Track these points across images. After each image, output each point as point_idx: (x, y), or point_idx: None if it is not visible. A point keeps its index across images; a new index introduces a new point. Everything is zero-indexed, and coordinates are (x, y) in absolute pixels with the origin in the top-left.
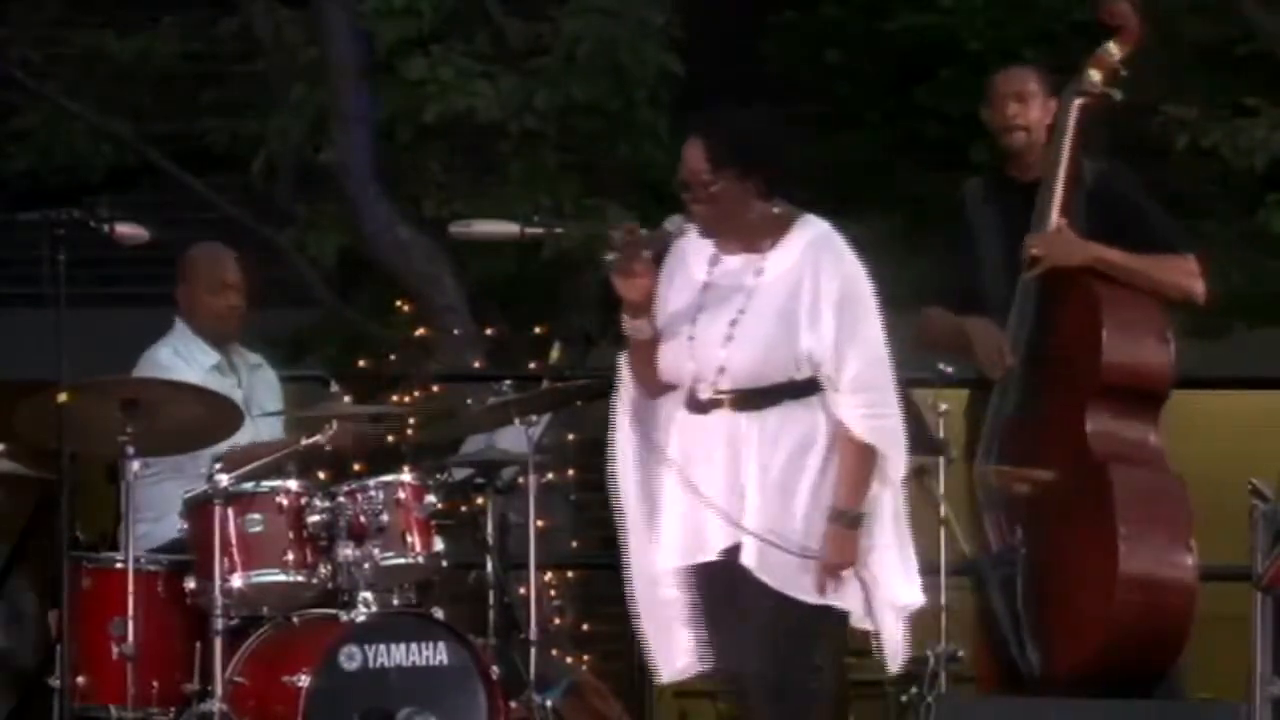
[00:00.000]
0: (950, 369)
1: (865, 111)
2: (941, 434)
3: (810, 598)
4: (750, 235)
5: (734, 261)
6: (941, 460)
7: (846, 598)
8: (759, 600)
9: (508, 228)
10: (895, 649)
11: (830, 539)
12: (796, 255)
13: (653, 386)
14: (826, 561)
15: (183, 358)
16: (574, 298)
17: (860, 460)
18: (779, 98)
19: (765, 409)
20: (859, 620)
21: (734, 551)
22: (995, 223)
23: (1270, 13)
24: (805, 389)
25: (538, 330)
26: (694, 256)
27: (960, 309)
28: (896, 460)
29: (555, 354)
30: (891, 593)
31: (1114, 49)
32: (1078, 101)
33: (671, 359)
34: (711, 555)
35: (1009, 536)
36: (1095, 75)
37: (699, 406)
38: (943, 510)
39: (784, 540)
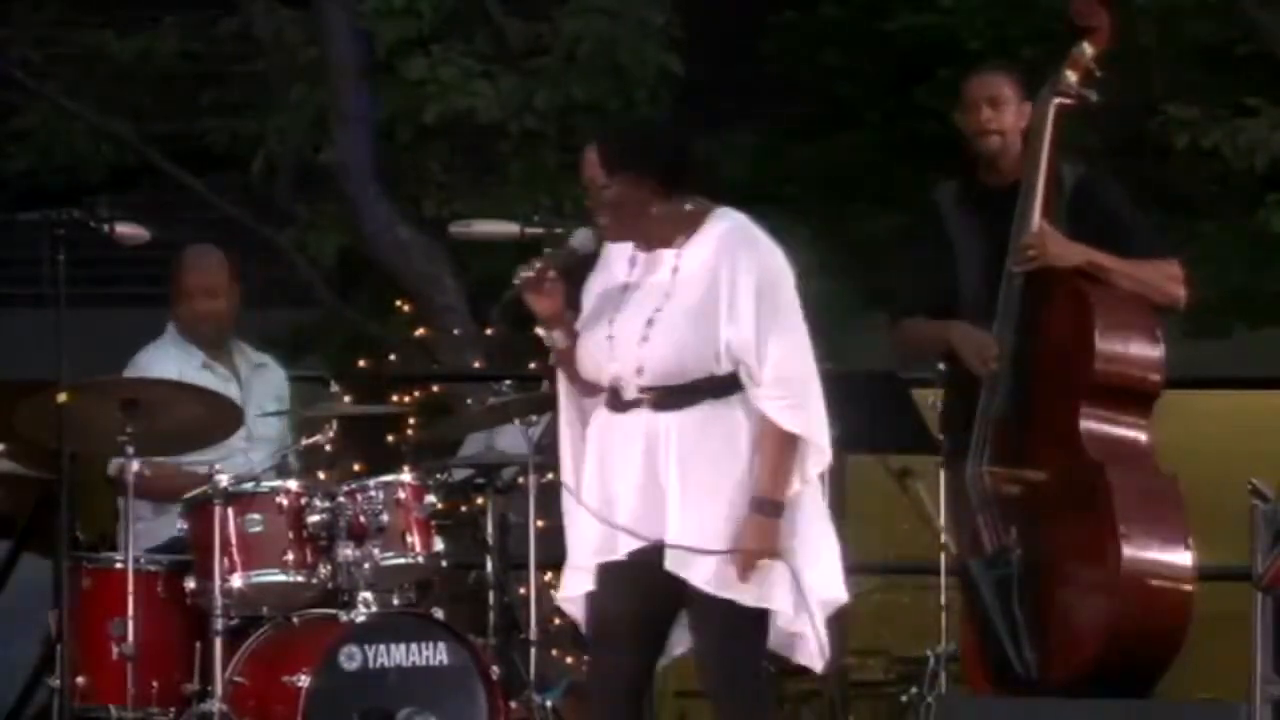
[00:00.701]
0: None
1: (865, 111)
2: (941, 434)
3: (744, 599)
4: (663, 234)
5: (651, 260)
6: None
7: (778, 598)
8: (696, 604)
9: (508, 228)
10: (821, 648)
11: (751, 527)
12: (711, 249)
13: (586, 388)
14: (746, 549)
15: (165, 361)
16: (574, 298)
17: (782, 450)
18: (779, 98)
19: (686, 408)
20: (788, 622)
21: (652, 553)
22: (971, 227)
23: (1270, 13)
24: (727, 386)
25: (538, 330)
26: (616, 259)
27: (937, 316)
28: (819, 452)
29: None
30: (816, 589)
31: (1087, 49)
32: (1055, 103)
33: (592, 360)
34: (620, 555)
35: (1004, 537)
36: (1071, 76)
37: (619, 406)
38: (934, 511)
39: (705, 542)
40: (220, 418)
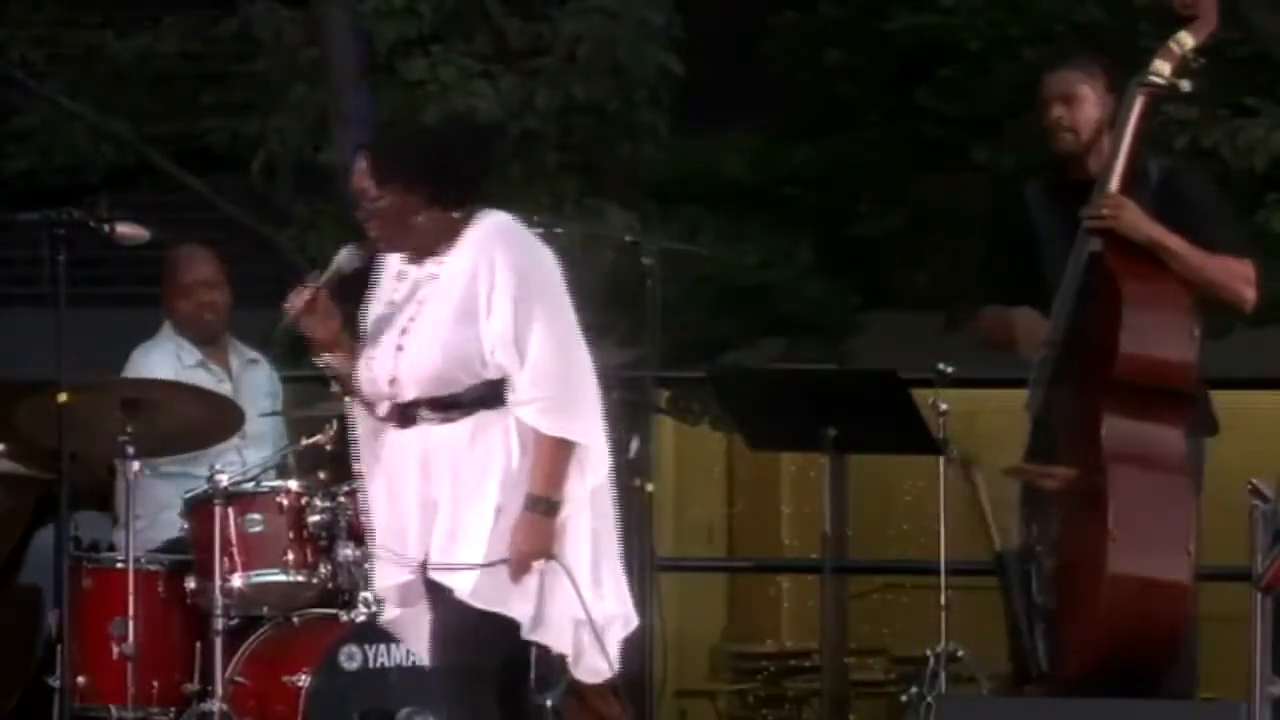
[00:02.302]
0: (950, 369)
1: (865, 111)
2: (941, 434)
3: (511, 612)
4: (430, 243)
5: (416, 272)
6: (942, 460)
7: (514, 605)
8: (449, 609)
9: None
10: (609, 662)
11: (523, 526)
12: (470, 250)
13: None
14: (518, 550)
15: (161, 358)
16: (574, 297)
17: (553, 450)
18: (779, 98)
19: (457, 418)
20: (527, 632)
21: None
22: (1058, 225)
23: (1270, 13)
24: (497, 398)
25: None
26: (388, 274)
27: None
28: (593, 461)
29: None
30: (577, 604)
31: (1185, 39)
32: (1142, 92)
33: (364, 378)
34: (409, 575)
35: (1029, 533)
36: (1162, 67)
37: (393, 421)
38: (987, 505)
39: (471, 552)
40: (220, 418)
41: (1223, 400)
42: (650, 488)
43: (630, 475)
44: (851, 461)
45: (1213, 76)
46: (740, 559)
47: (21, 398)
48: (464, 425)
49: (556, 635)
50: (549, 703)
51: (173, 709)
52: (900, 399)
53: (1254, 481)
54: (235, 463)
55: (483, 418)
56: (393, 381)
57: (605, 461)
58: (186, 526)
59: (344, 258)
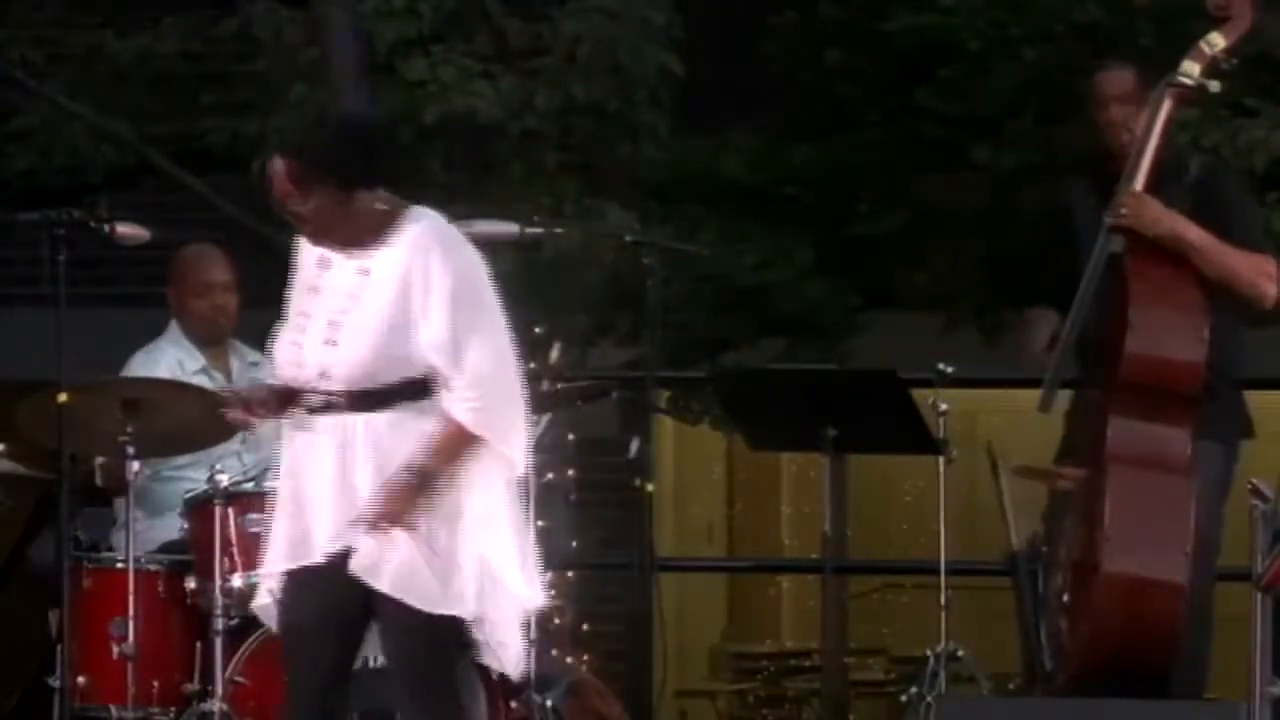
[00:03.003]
0: (950, 369)
1: (865, 111)
2: (942, 434)
3: (426, 604)
4: (356, 235)
5: (341, 262)
6: (942, 460)
7: (463, 603)
8: (384, 609)
9: (508, 228)
10: (516, 653)
11: (394, 487)
12: (405, 251)
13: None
14: (381, 508)
15: (160, 361)
16: (574, 298)
17: (455, 438)
18: (779, 98)
19: (379, 411)
20: (488, 629)
21: (345, 556)
22: (1100, 220)
23: (1270, 13)
24: (422, 391)
25: (538, 330)
26: (307, 260)
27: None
28: (515, 457)
29: (555, 354)
30: (512, 594)
31: (1217, 39)
32: (1171, 92)
33: (286, 367)
34: (316, 559)
35: (1038, 533)
36: (1193, 67)
37: (312, 409)
38: (1009, 505)
39: (392, 545)
40: (220, 418)
41: None
42: (650, 488)
43: (630, 475)
44: (851, 461)
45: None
46: (740, 559)
47: (21, 398)
48: (387, 417)
49: (499, 631)
50: (549, 703)
51: (173, 709)
52: (900, 399)
53: (1254, 481)
54: (235, 466)
55: (406, 412)
56: (322, 375)
57: (518, 466)
58: (186, 526)
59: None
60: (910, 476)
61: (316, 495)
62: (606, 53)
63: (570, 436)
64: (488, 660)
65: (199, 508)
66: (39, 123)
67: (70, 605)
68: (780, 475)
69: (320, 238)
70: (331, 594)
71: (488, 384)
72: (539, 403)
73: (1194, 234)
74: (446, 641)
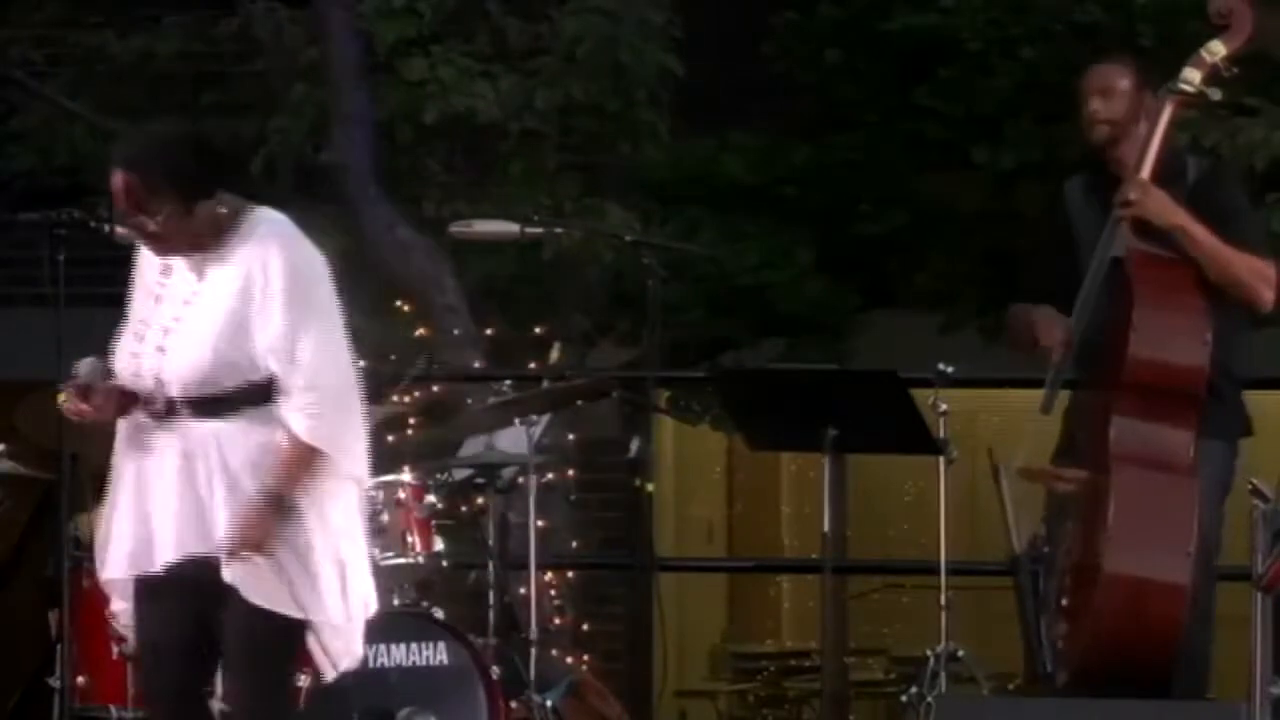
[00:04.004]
0: (950, 369)
1: (865, 111)
2: (942, 434)
3: (290, 611)
4: (199, 240)
5: (182, 268)
6: (942, 460)
7: (328, 609)
8: (234, 614)
9: (508, 228)
10: (347, 651)
11: (249, 515)
12: (244, 253)
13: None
14: (237, 537)
15: None
16: (574, 298)
17: (304, 455)
18: (779, 98)
19: (225, 416)
20: (332, 634)
21: (190, 566)
22: (1100, 220)
23: (1270, 13)
24: (265, 394)
25: (538, 330)
26: (148, 269)
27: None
28: (354, 464)
29: (555, 354)
30: (363, 600)
31: (1217, 48)
32: (1171, 97)
33: (126, 369)
34: (156, 569)
35: (1041, 534)
36: (1194, 75)
37: (154, 418)
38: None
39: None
40: None
41: None
42: (650, 488)
43: (630, 475)
44: (851, 461)
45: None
46: (740, 559)
47: (21, 398)
48: (235, 424)
49: (341, 636)
50: (549, 703)
51: None
52: (900, 399)
53: (1254, 481)
54: None
55: (253, 417)
56: (162, 382)
57: (360, 475)
58: None
59: (86, 370)
60: (910, 476)
61: (160, 504)
62: (606, 53)
63: (570, 436)
64: (320, 663)
65: None
66: (39, 123)
67: (70, 605)
68: (780, 475)
69: (165, 249)
70: (180, 607)
71: (323, 390)
72: (539, 403)
73: (1199, 231)
74: (293, 643)
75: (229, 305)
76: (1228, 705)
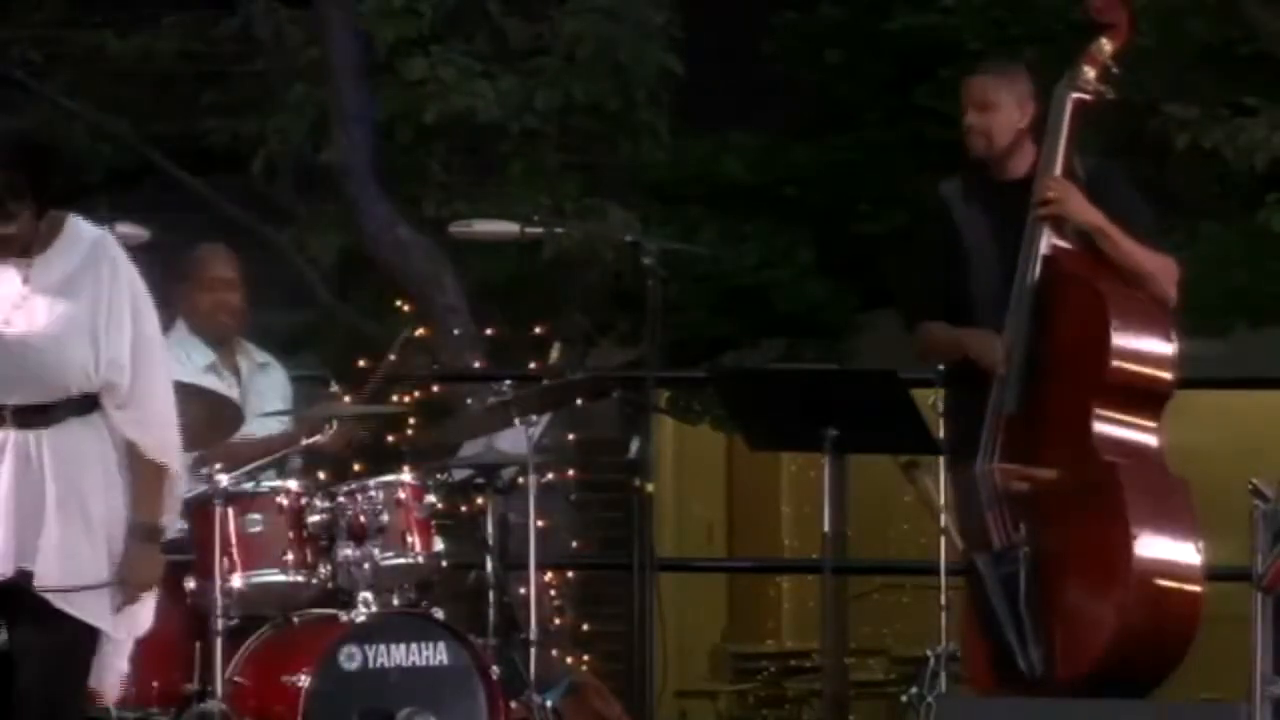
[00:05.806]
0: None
1: (865, 111)
2: (942, 434)
3: (100, 621)
4: (24, 243)
5: (4, 271)
6: (942, 460)
7: (142, 623)
8: (43, 629)
9: (508, 228)
10: (120, 674)
11: (137, 555)
12: (75, 261)
13: None
14: (136, 579)
15: (174, 357)
16: (574, 298)
17: (158, 477)
18: (779, 98)
19: (52, 426)
20: (117, 649)
21: (19, 578)
22: (983, 226)
23: (1270, 13)
24: (88, 406)
25: (538, 330)
26: None
27: (951, 313)
28: (181, 477)
29: (555, 354)
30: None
31: (1105, 46)
32: (1072, 96)
33: None
34: None
35: (1012, 534)
36: (1089, 72)
37: None
38: (939, 503)
39: (82, 571)
40: (221, 418)
41: (1223, 400)
42: (650, 488)
43: (630, 475)
44: (851, 461)
45: (1213, 76)
46: (740, 559)
47: None
48: (64, 432)
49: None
50: (549, 703)
51: (173, 709)
52: (900, 399)
53: (1254, 481)
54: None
55: (80, 427)
56: None
57: (181, 486)
58: (186, 527)
59: None
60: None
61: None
62: (606, 53)
63: (570, 436)
64: (93, 680)
65: (198, 508)
66: (39, 123)
67: None
68: (780, 475)
69: (9, 252)
70: (8, 617)
71: (156, 400)
72: (539, 403)
73: (1113, 230)
74: (89, 654)
75: (60, 314)
76: (1228, 705)
